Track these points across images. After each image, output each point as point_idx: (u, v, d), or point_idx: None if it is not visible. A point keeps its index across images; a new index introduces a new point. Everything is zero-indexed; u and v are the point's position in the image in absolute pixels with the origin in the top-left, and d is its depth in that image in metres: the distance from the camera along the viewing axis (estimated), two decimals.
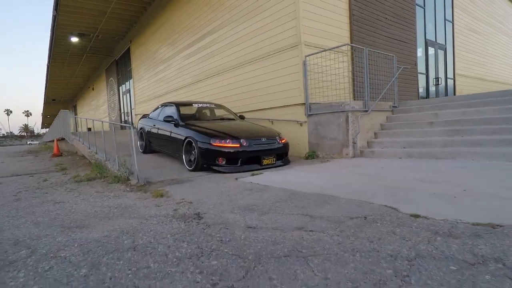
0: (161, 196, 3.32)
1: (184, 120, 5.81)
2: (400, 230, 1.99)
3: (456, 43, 11.23)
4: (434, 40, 10.47)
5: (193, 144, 5.06)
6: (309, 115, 6.23)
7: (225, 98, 8.22)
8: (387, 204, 2.60)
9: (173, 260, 1.73)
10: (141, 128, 7.36)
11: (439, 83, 10.54)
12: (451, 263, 1.53)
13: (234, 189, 3.55)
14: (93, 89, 24.27)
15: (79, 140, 9.36)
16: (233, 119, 6.46)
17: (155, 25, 12.14)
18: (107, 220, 2.62)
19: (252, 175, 4.44)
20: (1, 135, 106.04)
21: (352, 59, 6.82)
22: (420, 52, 9.75)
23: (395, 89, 6.87)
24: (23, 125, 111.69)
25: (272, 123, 6.95)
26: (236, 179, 4.19)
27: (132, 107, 16.17)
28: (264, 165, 5.02)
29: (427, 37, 10.06)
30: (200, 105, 6.67)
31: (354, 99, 6.55)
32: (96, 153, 6.98)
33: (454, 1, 11.13)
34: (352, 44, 6.58)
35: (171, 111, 6.26)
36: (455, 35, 11.21)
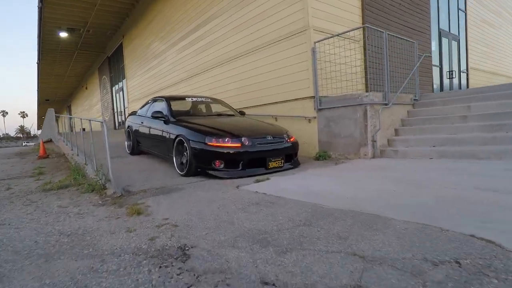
0: (138, 213, 2.51)
1: (176, 117, 5.01)
2: None
3: (469, 34, 10.48)
4: (448, 31, 9.72)
5: (185, 143, 4.26)
6: (319, 110, 5.44)
7: (223, 93, 7.42)
8: (474, 234, 1.71)
9: None
10: (128, 127, 6.47)
11: (453, 76, 9.78)
12: None
13: (236, 202, 2.74)
14: (86, 88, 23.44)
15: (63, 141, 8.57)
16: (233, 115, 5.67)
17: (148, 17, 11.34)
18: (41, 263, 1.74)
19: (257, 181, 3.63)
20: None
21: (364, 46, 6.03)
22: (433, 43, 8.99)
23: (416, 79, 6.07)
24: (19, 126, 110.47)
25: (276, 120, 6.17)
26: (238, 187, 3.39)
27: (125, 106, 15.36)
28: (271, 168, 4.21)
29: (440, 27, 9.30)
30: (194, 99, 5.85)
31: (367, 91, 5.75)
32: (78, 155, 6.18)
33: None
34: (371, 26, 5.65)
35: (161, 106, 5.44)
36: (468, 26, 10.46)
